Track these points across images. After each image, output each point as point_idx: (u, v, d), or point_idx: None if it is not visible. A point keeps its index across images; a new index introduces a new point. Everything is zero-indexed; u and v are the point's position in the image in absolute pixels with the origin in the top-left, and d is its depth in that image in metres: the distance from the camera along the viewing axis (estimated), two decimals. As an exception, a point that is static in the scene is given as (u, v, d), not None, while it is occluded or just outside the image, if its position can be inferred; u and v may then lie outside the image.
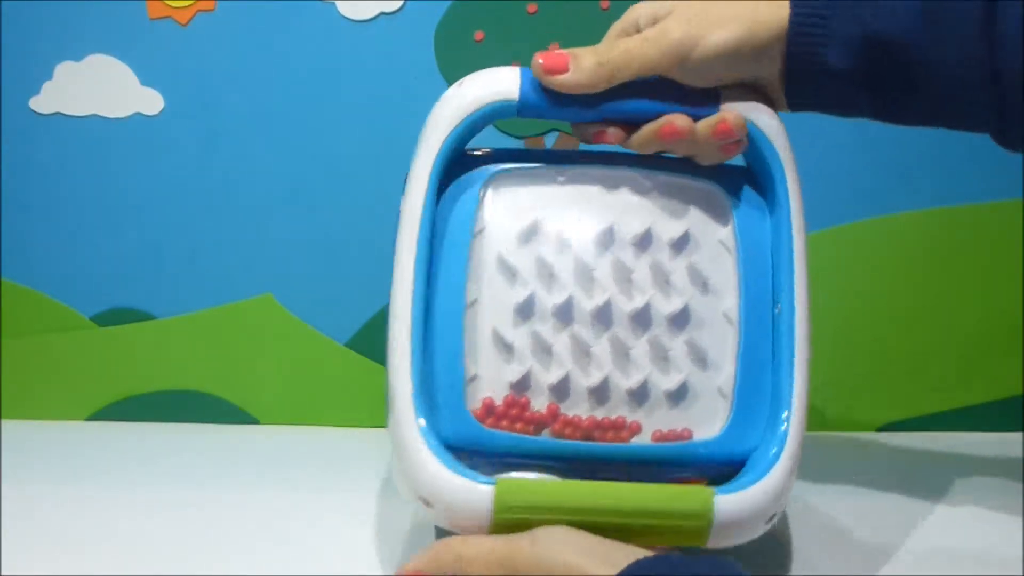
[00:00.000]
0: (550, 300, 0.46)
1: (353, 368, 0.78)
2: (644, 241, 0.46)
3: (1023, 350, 0.74)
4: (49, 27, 0.75)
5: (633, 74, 0.46)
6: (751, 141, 0.47)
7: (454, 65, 0.73)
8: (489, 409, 0.46)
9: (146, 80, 0.76)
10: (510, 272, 0.47)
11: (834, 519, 0.50)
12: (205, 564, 0.53)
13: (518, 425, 0.45)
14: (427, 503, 0.43)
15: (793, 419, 0.44)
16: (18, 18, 0.75)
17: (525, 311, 0.46)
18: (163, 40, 0.75)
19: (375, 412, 0.78)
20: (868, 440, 0.73)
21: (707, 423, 0.45)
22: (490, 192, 0.48)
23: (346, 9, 0.73)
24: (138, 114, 0.76)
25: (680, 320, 0.46)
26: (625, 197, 0.47)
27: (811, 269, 0.49)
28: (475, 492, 0.42)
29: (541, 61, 0.46)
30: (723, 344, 0.46)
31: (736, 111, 0.46)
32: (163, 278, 0.78)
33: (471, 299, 0.47)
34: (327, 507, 0.62)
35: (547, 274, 0.46)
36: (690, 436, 0.45)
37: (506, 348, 0.46)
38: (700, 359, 0.46)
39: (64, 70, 0.76)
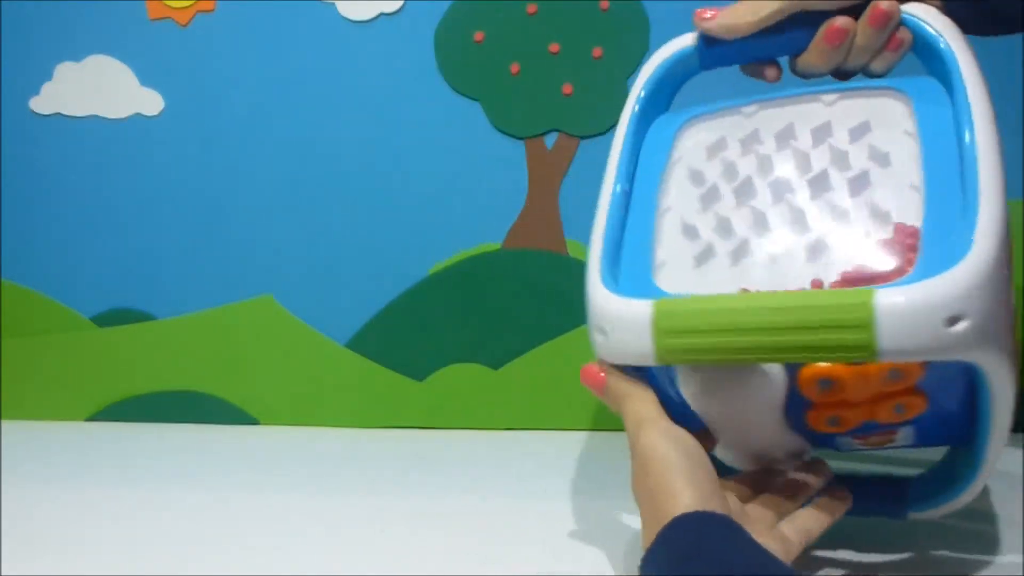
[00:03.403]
0: (729, 186, 0.47)
1: (353, 368, 0.78)
2: (822, 131, 0.47)
3: (1023, 350, 0.74)
4: (49, 27, 0.75)
5: (778, 12, 0.49)
6: (916, 35, 0.48)
7: (454, 65, 0.73)
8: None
9: (146, 80, 0.76)
10: (698, 177, 0.49)
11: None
12: (205, 564, 0.53)
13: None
14: (601, 331, 0.45)
15: (981, 218, 0.40)
16: (18, 18, 0.75)
17: (708, 199, 0.47)
18: (163, 40, 0.75)
19: (375, 412, 0.79)
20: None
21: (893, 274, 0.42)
22: (685, 131, 0.52)
23: (346, 9, 0.73)
24: (138, 114, 0.76)
25: (859, 186, 0.45)
26: (807, 110, 0.49)
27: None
28: (634, 307, 0.43)
29: (700, 13, 0.51)
30: (907, 206, 0.43)
31: None
32: (163, 278, 0.78)
33: (664, 207, 0.49)
34: (327, 507, 0.62)
35: (731, 171, 0.48)
36: (874, 280, 0.42)
37: (690, 232, 0.47)
38: (882, 217, 0.43)
39: (64, 70, 0.76)
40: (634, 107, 0.53)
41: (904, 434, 0.47)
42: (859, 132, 0.46)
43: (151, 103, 0.76)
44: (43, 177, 0.78)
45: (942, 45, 0.47)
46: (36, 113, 0.77)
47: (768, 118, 0.49)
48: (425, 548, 0.55)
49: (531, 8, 0.72)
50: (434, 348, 0.77)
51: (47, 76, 0.76)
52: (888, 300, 0.38)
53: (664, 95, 0.54)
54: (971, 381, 0.43)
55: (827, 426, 0.45)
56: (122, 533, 0.58)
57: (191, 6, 0.74)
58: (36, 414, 0.81)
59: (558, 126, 0.73)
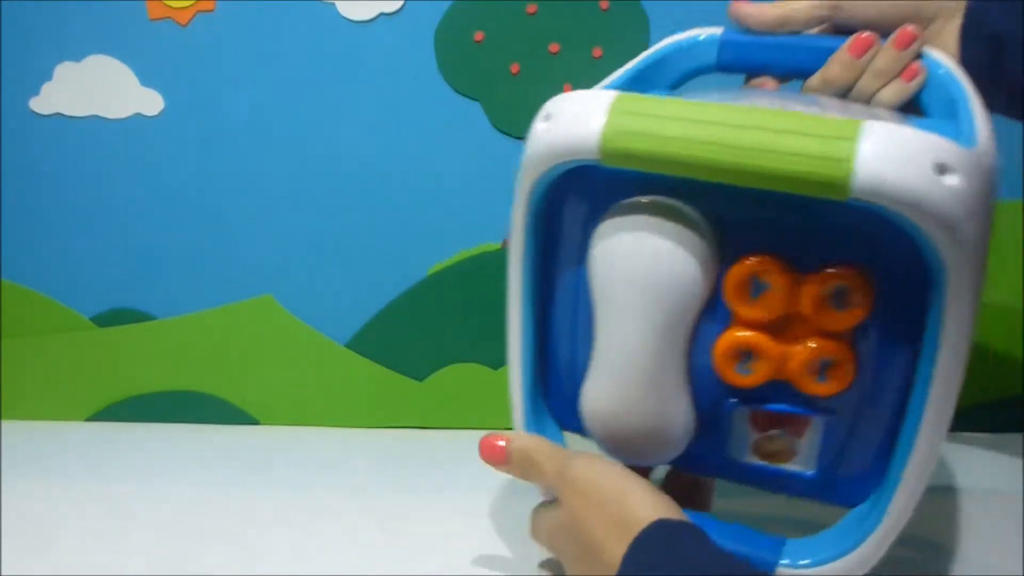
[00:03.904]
0: None
1: (353, 368, 0.78)
2: None
3: (1023, 350, 0.74)
4: (49, 27, 0.75)
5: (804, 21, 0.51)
6: (931, 72, 0.47)
7: (454, 65, 0.73)
8: None
9: (146, 80, 0.76)
10: None
11: (833, 519, 0.50)
12: (205, 564, 0.53)
13: None
14: (546, 118, 0.41)
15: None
16: (18, 18, 0.75)
17: None
18: (163, 40, 0.75)
19: (375, 412, 0.79)
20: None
21: None
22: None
23: (346, 9, 0.73)
24: (138, 114, 0.76)
25: None
26: None
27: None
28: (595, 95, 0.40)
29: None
30: None
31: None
32: (163, 278, 0.78)
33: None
34: (327, 507, 0.61)
35: None
36: None
37: None
38: None
39: (64, 70, 0.76)
40: (524, 223, 0.46)
41: (808, 448, 0.43)
42: None
43: (151, 103, 0.76)
44: (43, 177, 0.78)
45: (955, 84, 0.45)
46: (36, 113, 0.76)
47: None
48: (425, 548, 0.55)
49: (531, 8, 0.72)
50: (434, 348, 0.77)
51: (47, 76, 0.76)
52: (875, 127, 0.35)
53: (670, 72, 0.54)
54: (901, 407, 0.40)
55: (736, 374, 0.42)
56: (122, 533, 0.58)
57: (191, 6, 0.74)
58: (36, 414, 0.81)
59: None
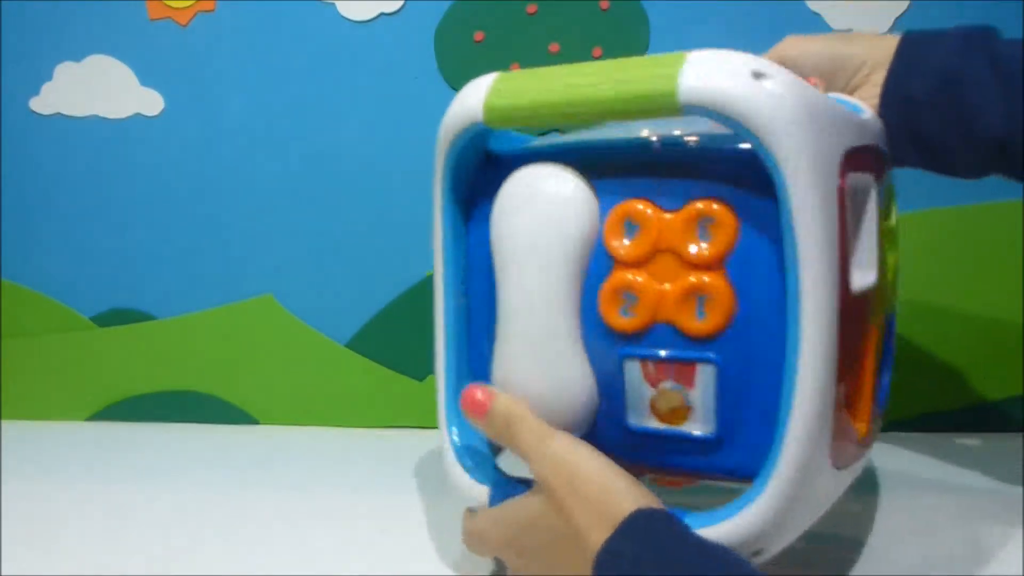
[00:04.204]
0: None
1: (353, 368, 0.78)
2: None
3: (1023, 350, 0.74)
4: (49, 27, 0.75)
5: None
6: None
7: (454, 65, 0.73)
8: None
9: (146, 80, 0.76)
10: None
11: (833, 519, 0.50)
12: (205, 564, 0.53)
13: None
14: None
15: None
16: (18, 18, 0.75)
17: None
18: (163, 40, 0.75)
19: (375, 412, 0.79)
20: (868, 440, 0.73)
21: None
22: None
23: (346, 9, 0.73)
24: (138, 114, 0.76)
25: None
26: None
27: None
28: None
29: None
30: None
31: None
32: (163, 278, 0.78)
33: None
34: (327, 507, 0.61)
35: None
36: None
37: None
38: None
39: (64, 70, 0.76)
40: (443, 198, 0.51)
41: (702, 402, 0.43)
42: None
43: (151, 103, 0.76)
44: (43, 177, 0.78)
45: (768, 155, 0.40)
46: (36, 113, 0.77)
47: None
48: (425, 548, 0.55)
49: (531, 8, 0.72)
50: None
51: (47, 76, 0.76)
52: (700, 53, 0.40)
53: (474, 153, 0.52)
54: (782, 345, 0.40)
55: (620, 317, 0.43)
56: (122, 533, 0.58)
57: (191, 6, 0.74)
58: (36, 414, 0.81)
59: (558, 125, 0.73)
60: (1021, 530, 0.53)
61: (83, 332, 0.80)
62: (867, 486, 0.62)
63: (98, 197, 0.77)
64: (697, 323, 0.42)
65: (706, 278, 0.41)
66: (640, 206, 0.43)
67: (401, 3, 0.73)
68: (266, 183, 0.76)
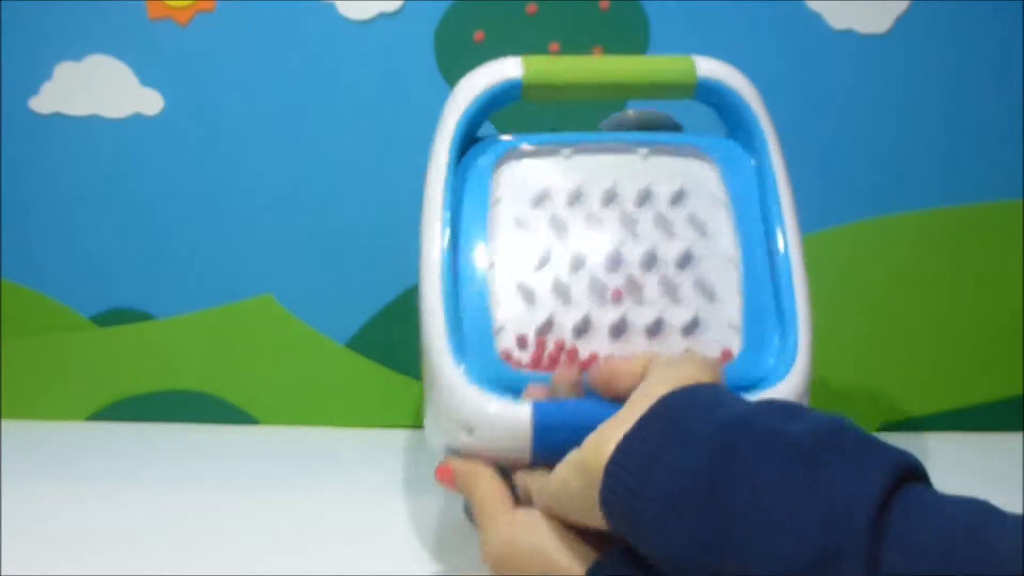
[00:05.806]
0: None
1: (353, 368, 0.78)
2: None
3: (1023, 350, 0.74)
4: (49, 27, 0.75)
5: None
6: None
7: (454, 65, 0.73)
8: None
9: (146, 80, 0.76)
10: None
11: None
12: (205, 564, 0.53)
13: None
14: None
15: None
16: (18, 18, 0.75)
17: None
18: (163, 40, 0.75)
19: (375, 412, 0.79)
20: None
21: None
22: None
23: (346, 9, 0.73)
24: (138, 114, 0.76)
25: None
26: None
27: (810, 270, 0.49)
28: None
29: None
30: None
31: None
32: (163, 278, 0.78)
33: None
34: (327, 507, 0.62)
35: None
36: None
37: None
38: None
39: (64, 70, 0.76)
40: (449, 144, 0.52)
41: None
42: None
43: (151, 103, 0.76)
44: (43, 177, 0.78)
45: (749, 115, 0.53)
46: (36, 113, 0.76)
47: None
48: (425, 547, 0.55)
49: (531, 8, 0.72)
50: (434, 348, 0.77)
51: (47, 76, 0.76)
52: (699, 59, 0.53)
53: (479, 122, 0.54)
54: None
55: None
56: (122, 533, 0.58)
57: (191, 6, 0.74)
58: (36, 414, 0.81)
59: (558, 125, 0.73)
60: (1021, 530, 0.53)
61: (83, 332, 0.80)
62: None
63: (98, 197, 0.77)
64: None
65: None
66: None
67: (401, 3, 0.73)
68: (266, 183, 0.76)
